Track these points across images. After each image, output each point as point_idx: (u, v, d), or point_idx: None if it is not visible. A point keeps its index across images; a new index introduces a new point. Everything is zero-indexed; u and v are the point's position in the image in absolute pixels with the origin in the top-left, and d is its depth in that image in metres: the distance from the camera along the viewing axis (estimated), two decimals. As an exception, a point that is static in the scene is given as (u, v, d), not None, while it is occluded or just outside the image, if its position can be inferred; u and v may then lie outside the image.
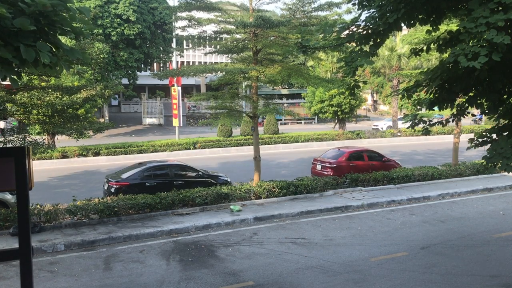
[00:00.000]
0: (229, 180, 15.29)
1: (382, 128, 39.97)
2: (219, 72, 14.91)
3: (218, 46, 15.29)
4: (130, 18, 37.59)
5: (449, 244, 10.34)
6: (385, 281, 8.22)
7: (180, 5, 14.01)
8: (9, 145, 13.04)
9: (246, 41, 14.72)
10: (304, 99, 36.33)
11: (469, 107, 7.43)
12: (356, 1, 6.87)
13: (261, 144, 24.02)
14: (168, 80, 32.12)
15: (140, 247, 10.20)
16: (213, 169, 18.12)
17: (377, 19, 6.32)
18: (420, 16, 6.44)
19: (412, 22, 6.41)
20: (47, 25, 3.71)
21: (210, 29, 14.85)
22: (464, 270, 8.76)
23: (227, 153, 27.38)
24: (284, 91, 51.47)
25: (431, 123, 7.81)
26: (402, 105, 43.68)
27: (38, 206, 11.74)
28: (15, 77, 3.94)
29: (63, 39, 4.52)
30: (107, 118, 42.63)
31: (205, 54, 16.02)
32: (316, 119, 48.04)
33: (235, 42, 15.10)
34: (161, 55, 44.78)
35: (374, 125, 42.51)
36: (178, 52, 41.03)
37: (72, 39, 4.16)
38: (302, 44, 7.13)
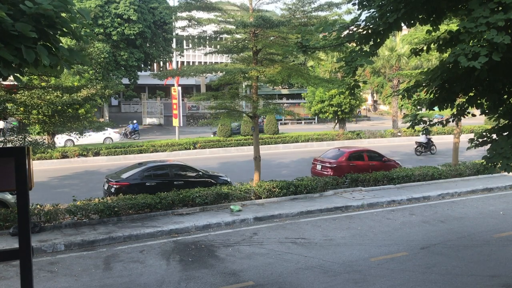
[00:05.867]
0: (229, 180, 15.28)
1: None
2: (219, 72, 14.91)
3: (218, 46, 15.29)
4: (131, 17, 37.58)
5: (449, 244, 10.34)
6: (385, 281, 8.22)
7: (180, 5, 14.02)
8: (9, 145, 13.03)
9: (246, 41, 14.72)
10: (304, 99, 36.32)
11: (469, 107, 7.44)
12: (356, 1, 6.87)
13: (261, 144, 24.02)
14: (165, 80, 32.12)
15: (140, 247, 10.20)
16: (213, 169, 18.12)
17: (377, 19, 6.32)
18: (420, 16, 6.44)
19: (412, 22, 6.40)
20: (47, 26, 3.71)
21: (210, 29, 14.85)
22: (464, 270, 8.76)
23: (227, 153, 27.38)
24: (284, 91, 51.47)
25: (431, 123, 7.81)
26: (402, 105, 43.70)
27: (38, 206, 11.74)
28: (17, 75, 3.94)
29: (63, 39, 4.52)
30: (107, 118, 42.62)
31: (205, 54, 16.01)
32: (316, 119, 48.02)
33: (235, 42, 15.09)
34: (161, 55, 44.76)
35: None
36: (178, 52, 41.00)
37: (73, 39, 4.16)
38: (302, 44, 7.12)
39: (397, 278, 8.36)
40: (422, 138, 26.15)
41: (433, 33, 6.85)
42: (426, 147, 26.25)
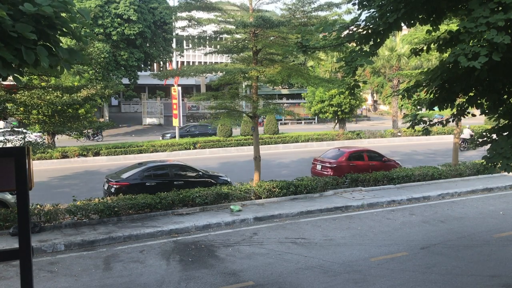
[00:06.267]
0: (229, 180, 15.28)
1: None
2: (219, 72, 14.90)
3: (218, 46, 15.28)
4: (131, 17, 37.60)
5: (449, 244, 10.33)
6: (385, 281, 8.22)
7: (180, 5, 14.02)
8: (9, 145, 13.04)
9: (246, 41, 14.72)
10: (304, 99, 36.34)
11: (469, 107, 7.43)
12: (356, 1, 6.86)
13: (261, 144, 24.01)
14: (164, 80, 32.14)
15: (140, 247, 10.20)
16: (213, 169, 18.12)
17: (377, 19, 6.31)
18: (420, 16, 6.43)
19: (412, 22, 6.40)
20: (47, 26, 3.71)
21: (210, 29, 14.85)
22: (464, 270, 8.76)
23: (227, 153, 27.37)
24: (284, 91, 51.47)
25: (431, 123, 7.81)
26: (402, 105, 43.68)
27: (38, 206, 11.74)
28: (17, 75, 3.94)
29: (63, 39, 4.52)
30: (107, 118, 42.63)
31: (205, 54, 16.01)
32: (316, 119, 48.02)
33: (235, 42, 15.09)
34: (161, 55, 44.79)
35: None
36: (178, 52, 41.05)
37: (73, 39, 4.16)
38: (302, 44, 7.12)
39: (397, 278, 8.36)
40: (465, 135, 27.66)
41: (433, 33, 6.84)
42: (470, 142, 28.03)
